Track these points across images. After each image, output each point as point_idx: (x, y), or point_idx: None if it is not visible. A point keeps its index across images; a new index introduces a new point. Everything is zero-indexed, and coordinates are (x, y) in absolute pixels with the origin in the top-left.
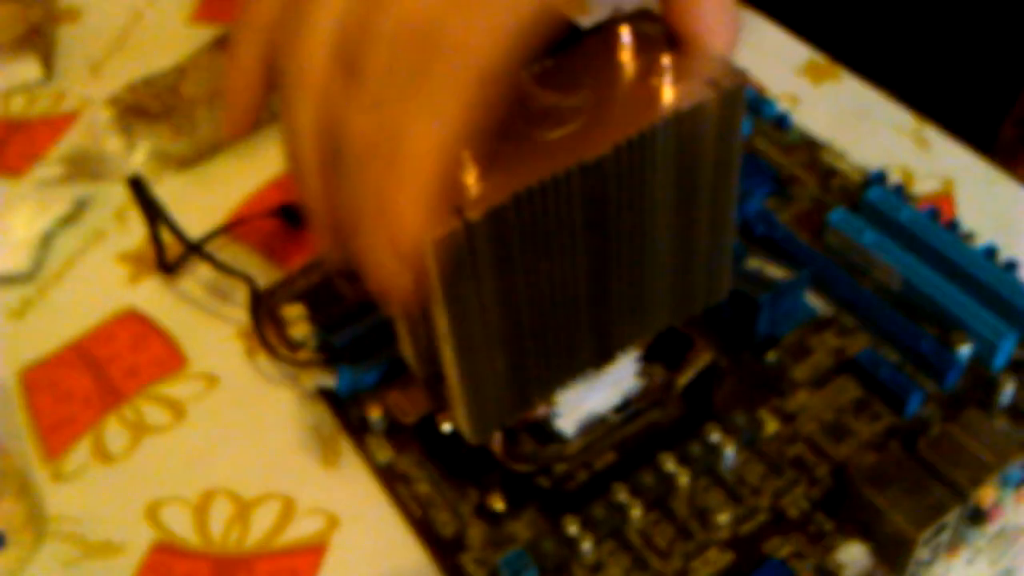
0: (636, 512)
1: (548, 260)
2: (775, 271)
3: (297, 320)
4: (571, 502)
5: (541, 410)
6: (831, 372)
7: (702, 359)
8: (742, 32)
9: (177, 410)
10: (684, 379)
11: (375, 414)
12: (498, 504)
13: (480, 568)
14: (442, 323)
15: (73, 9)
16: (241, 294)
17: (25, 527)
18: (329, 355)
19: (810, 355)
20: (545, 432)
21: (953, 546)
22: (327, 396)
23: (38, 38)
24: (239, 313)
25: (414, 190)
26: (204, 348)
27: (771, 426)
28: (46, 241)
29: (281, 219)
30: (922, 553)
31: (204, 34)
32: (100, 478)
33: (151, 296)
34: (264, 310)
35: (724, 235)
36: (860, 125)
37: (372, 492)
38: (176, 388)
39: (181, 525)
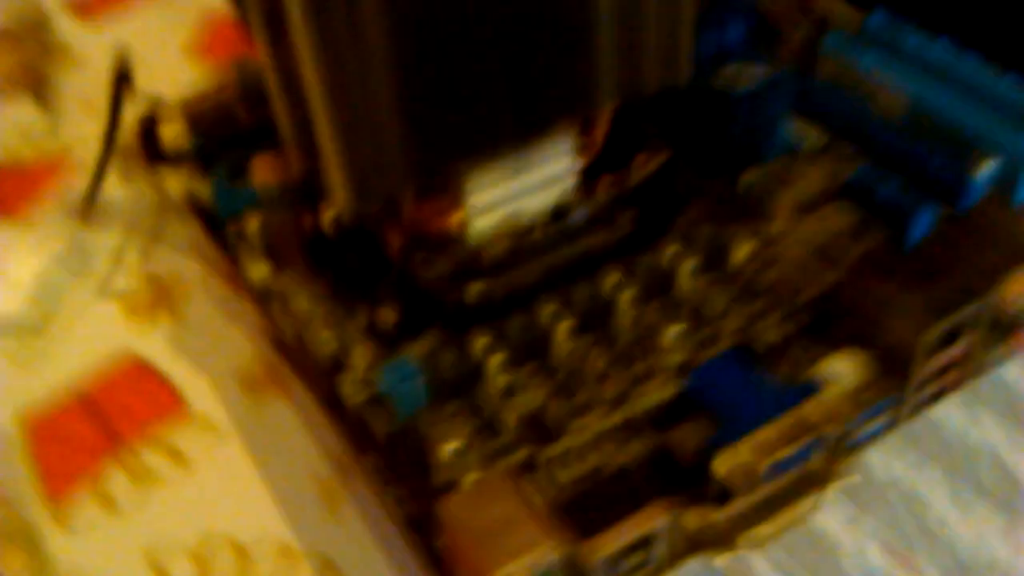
0: (563, 327)
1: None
2: (755, 71)
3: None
4: (482, 316)
5: (455, 219)
6: (823, 198)
7: (657, 157)
8: None
9: (178, 457)
10: (633, 180)
11: (252, 228)
12: (390, 318)
13: (362, 390)
14: (310, 63)
15: (67, 47)
16: (240, 339)
17: None
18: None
19: (797, 183)
20: (458, 247)
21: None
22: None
23: (32, 77)
24: (240, 359)
25: None
26: (205, 393)
27: (744, 248)
28: (44, 285)
29: None
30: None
31: (200, 71)
32: (103, 526)
33: (151, 340)
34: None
35: None
36: None
37: (371, 537)
38: (177, 434)
39: (184, 574)
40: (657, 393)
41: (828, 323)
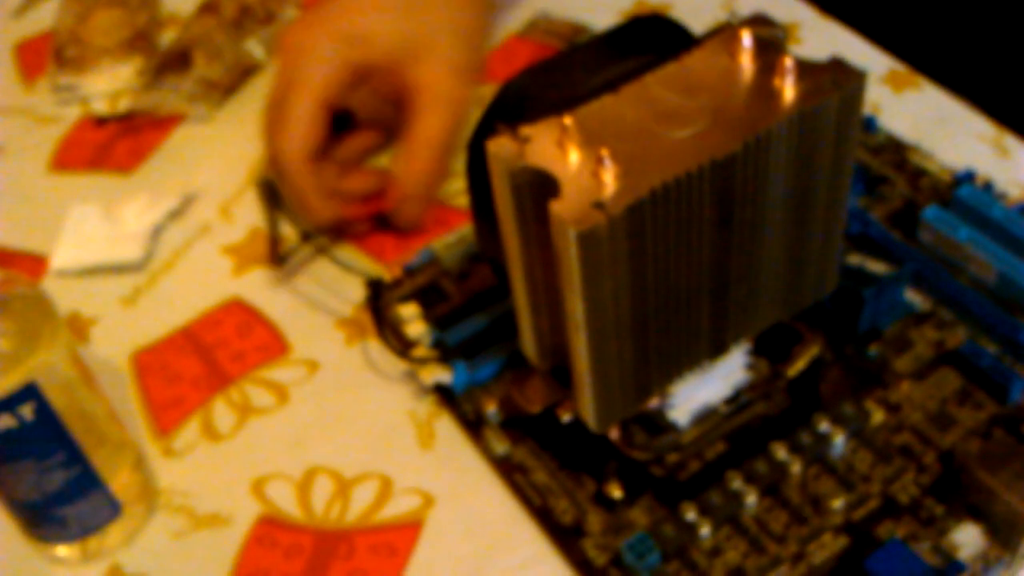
0: (751, 498)
1: (677, 252)
2: (876, 266)
3: (411, 319)
4: (687, 490)
5: (655, 402)
6: (932, 364)
7: (810, 352)
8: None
9: (281, 393)
10: (793, 371)
11: (491, 407)
12: (616, 492)
13: (602, 553)
14: (577, 312)
15: (176, 15)
16: (340, 286)
17: (139, 498)
18: (443, 352)
19: (911, 348)
20: (656, 423)
21: None
22: (441, 391)
23: (143, 42)
24: (337, 303)
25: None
26: (305, 336)
27: (877, 416)
28: (156, 234)
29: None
30: None
31: None
32: (208, 455)
33: (254, 286)
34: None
35: (836, 230)
36: (941, 132)
37: (465, 473)
38: (280, 372)
39: (285, 500)
40: (828, 548)
41: (950, 486)
